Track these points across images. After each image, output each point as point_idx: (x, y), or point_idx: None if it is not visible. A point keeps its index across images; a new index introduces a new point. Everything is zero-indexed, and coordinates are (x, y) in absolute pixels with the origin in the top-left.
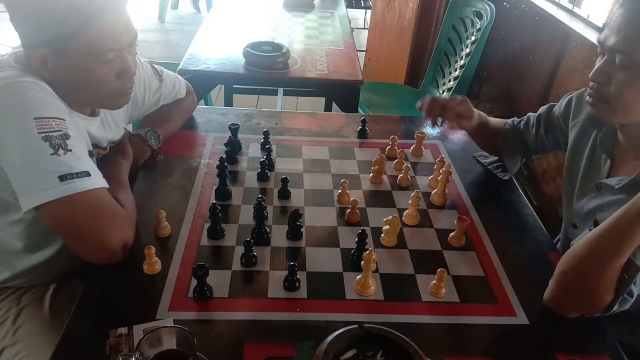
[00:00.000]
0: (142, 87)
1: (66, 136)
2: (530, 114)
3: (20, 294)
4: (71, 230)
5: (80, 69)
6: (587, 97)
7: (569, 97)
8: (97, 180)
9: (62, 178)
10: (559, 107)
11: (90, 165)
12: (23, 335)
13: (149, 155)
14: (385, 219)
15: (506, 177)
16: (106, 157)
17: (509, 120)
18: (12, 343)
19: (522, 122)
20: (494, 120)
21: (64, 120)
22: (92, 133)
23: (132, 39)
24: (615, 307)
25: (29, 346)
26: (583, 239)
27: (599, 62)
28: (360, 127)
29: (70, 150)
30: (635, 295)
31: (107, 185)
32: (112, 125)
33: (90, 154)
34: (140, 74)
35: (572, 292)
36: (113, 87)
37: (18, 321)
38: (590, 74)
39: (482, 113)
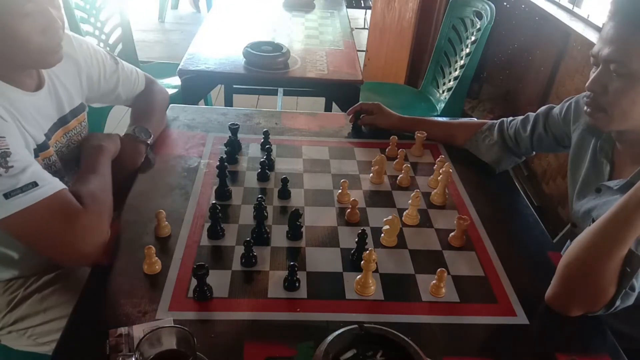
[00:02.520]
0: (96, 65)
1: (6, 154)
2: (527, 114)
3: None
4: (34, 241)
5: (3, 25)
6: (585, 108)
7: (568, 102)
8: (46, 189)
9: (7, 196)
10: (560, 109)
11: (37, 175)
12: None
13: (145, 150)
14: (385, 219)
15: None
16: (85, 148)
17: (490, 122)
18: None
19: (513, 122)
20: (455, 122)
21: (4, 137)
22: (39, 107)
23: None
24: (618, 303)
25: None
26: (585, 231)
27: (593, 73)
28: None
29: (12, 167)
30: (637, 290)
31: (61, 187)
32: (61, 97)
33: (43, 147)
34: (90, 52)
35: (576, 286)
36: (39, 43)
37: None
38: (587, 84)
39: (425, 118)
